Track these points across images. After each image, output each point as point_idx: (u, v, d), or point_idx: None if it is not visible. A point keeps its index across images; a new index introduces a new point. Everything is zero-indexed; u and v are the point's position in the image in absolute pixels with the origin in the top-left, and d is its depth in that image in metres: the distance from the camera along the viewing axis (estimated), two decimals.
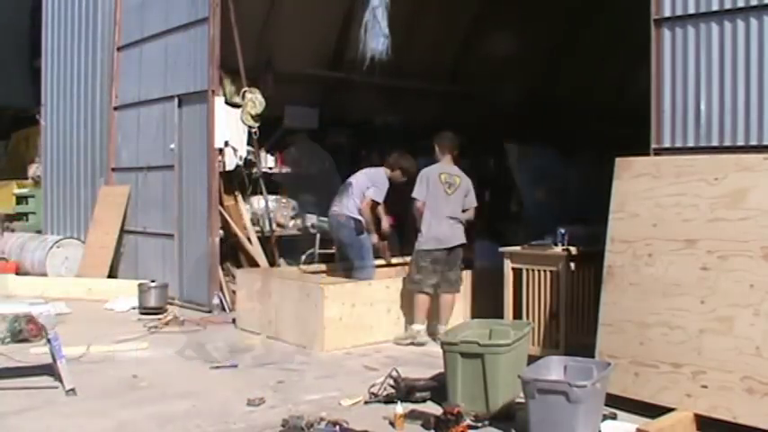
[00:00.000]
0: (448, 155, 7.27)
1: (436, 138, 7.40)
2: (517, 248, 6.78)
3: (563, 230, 6.49)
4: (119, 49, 10.79)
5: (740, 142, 5.44)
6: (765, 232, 4.59)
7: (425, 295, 7.07)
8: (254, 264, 9.11)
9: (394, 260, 8.40)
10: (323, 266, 8.58)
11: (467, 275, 7.82)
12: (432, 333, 7.12)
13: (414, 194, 7.15)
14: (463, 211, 7.19)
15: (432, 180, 7.11)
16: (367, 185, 7.95)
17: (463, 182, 7.21)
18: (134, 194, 10.35)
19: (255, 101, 9.06)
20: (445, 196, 7.10)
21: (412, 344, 6.96)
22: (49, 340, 5.51)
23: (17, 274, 10.93)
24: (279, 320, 7.28)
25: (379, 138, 11.15)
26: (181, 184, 9.28)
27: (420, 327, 7.05)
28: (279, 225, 9.79)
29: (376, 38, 7.65)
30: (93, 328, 7.70)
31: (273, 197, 9.81)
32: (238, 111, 8.99)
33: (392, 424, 4.68)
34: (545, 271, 6.46)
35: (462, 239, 7.18)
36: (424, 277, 7.03)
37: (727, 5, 5.50)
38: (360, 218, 7.89)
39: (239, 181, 9.41)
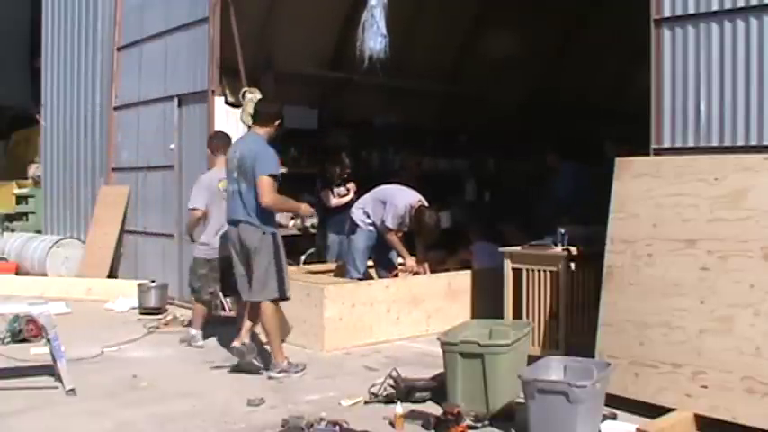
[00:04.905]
0: (222, 155, 6.96)
1: (215, 139, 7.41)
2: (517, 248, 6.76)
3: (563, 230, 6.47)
4: (119, 49, 10.78)
5: (740, 142, 5.43)
6: (765, 232, 4.59)
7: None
8: None
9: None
10: (322, 266, 8.57)
11: (467, 276, 7.82)
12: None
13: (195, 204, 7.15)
14: None
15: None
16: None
17: None
18: (134, 194, 10.35)
19: (255, 101, 9.03)
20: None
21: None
22: (48, 340, 5.51)
23: (17, 274, 10.95)
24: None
25: (380, 138, 11.16)
26: (181, 184, 9.26)
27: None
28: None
29: (374, 37, 7.62)
30: (92, 328, 7.70)
31: None
32: (238, 111, 8.98)
33: (392, 424, 4.69)
34: (545, 271, 6.44)
35: None
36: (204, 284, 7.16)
37: (728, 5, 5.49)
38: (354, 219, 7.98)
39: None
